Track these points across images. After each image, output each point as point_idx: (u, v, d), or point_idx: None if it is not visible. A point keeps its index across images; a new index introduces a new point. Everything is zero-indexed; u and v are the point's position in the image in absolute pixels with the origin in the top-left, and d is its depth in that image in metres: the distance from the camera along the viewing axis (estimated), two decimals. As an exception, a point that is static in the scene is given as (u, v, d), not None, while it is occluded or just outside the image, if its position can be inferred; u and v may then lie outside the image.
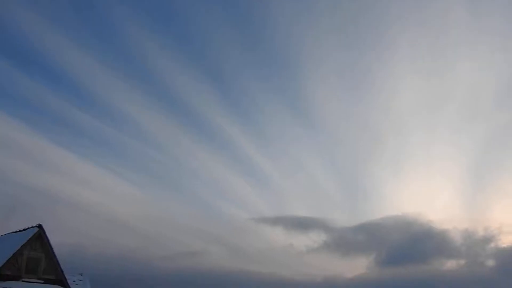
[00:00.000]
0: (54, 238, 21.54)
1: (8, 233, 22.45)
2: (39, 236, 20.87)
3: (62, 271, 21.41)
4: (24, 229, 21.47)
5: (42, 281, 20.54)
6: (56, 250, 21.68)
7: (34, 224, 21.11)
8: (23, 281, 19.86)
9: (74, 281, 24.47)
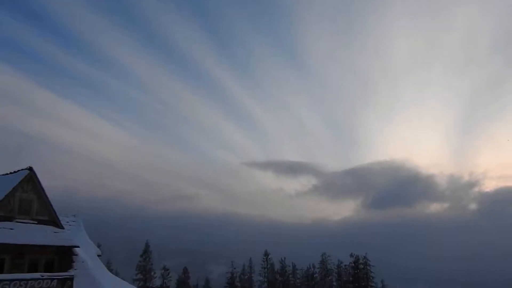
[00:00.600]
0: (48, 181, 21.65)
1: (-1, 175, 22.46)
2: (30, 178, 20.93)
3: (55, 212, 21.70)
4: (14, 172, 21.50)
5: (36, 222, 20.87)
6: (49, 193, 21.85)
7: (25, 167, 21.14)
8: (16, 221, 20.15)
9: (67, 222, 24.88)
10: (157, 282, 55.34)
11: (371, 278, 57.54)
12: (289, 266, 63.00)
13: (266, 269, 59.91)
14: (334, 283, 59.31)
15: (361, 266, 57.64)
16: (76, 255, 21.92)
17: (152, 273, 55.02)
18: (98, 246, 33.55)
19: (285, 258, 62.31)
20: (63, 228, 22.03)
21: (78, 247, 22.15)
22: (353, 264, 58.10)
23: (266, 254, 60.76)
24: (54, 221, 21.64)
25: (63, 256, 21.68)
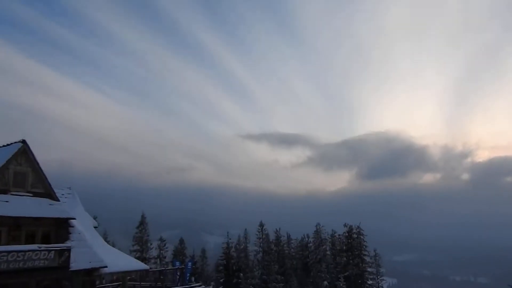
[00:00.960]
0: (43, 155, 21.59)
1: (-8, 148, 22.28)
2: (23, 151, 20.81)
3: (49, 185, 21.70)
4: (7, 144, 21.33)
5: (31, 194, 20.87)
6: (44, 166, 21.80)
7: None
8: (11, 194, 20.14)
9: (62, 194, 24.92)
10: (154, 252, 56.15)
11: (364, 247, 58.62)
12: (284, 236, 64.05)
13: (261, 239, 60.79)
14: (328, 252, 60.34)
15: (355, 235, 58.64)
16: (73, 226, 22.06)
17: (149, 244, 55.76)
18: (94, 218, 33.79)
19: (280, 228, 63.21)
20: (58, 200, 22.07)
21: (74, 219, 22.27)
22: (346, 234, 59.08)
23: (261, 224, 61.52)
24: (49, 193, 21.66)
25: (59, 228, 21.81)
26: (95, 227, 27.73)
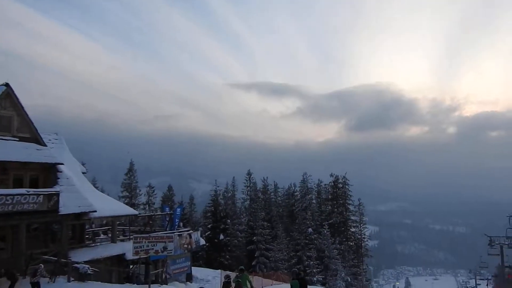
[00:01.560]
0: (29, 100, 21.24)
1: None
2: (7, 95, 20.36)
3: (36, 130, 21.47)
4: (-10, 88, 20.81)
5: (17, 139, 20.69)
6: (30, 112, 21.46)
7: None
8: (-3, 138, 19.92)
9: (49, 140, 24.74)
10: (143, 199, 57.01)
11: (349, 196, 60.16)
12: (271, 185, 65.30)
13: (248, 188, 61.91)
14: (314, 201, 61.91)
15: (340, 185, 59.99)
16: (61, 172, 22.09)
17: (137, 190, 56.49)
18: (83, 164, 33.81)
19: (267, 177, 64.35)
20: (45, 145, 21.93)
21: (62, 164, 22.26)
22: (332, 184, 60.39)
23: (249, 173, 62.41)
24: (36, 138, 21.47)
25: (47, 173, 21.85)
26: (83, 173, 27.85)
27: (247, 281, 15.88)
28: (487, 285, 52.15)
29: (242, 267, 17.39)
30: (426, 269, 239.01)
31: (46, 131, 24.63)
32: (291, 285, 12.82)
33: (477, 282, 57.51)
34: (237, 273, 16.81)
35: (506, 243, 38.07)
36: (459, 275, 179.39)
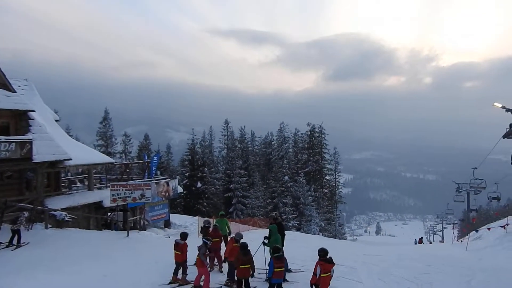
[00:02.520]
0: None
1: None
2: (-29, 38, 19.32)
3: (4, 75, 20.61)
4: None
5: (-16, 85, 19.86)
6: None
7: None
8: (-38, 84, 19.08)
9: (19, 86, 23.87)
10: (119, 148, 56.57)
11: (324, 145, 61.05)
12: (248, 134, 65.49)
13: (226, 137, 62.04)
14: (290, 150, 62.69)
15: (316, 134, 60.65)
16: (33, 119, 21.52)
17: (113, 139, 55.90)
18: (55, 112, 32.97)
19: (244, 126, 64.31)
20: (15, 91, 21.17)
21: (33, 111, 21.65)
22: (309, 133, 60.96)
23: (226, 122, 62.28)
24: (4, 84, 20.63)
25: (18, 120, 21.25)
26: (56, 121, 27.22)
27: (226, 226, 16.27)
28: (453, 228, 55.05)
29: (222, 212, 17.79)
30: (396, 214, 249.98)
31: (14, 76, 23.66)
32: (269, 229, 13.13)
33: (443, 226, 60.58)
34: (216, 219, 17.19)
35: (472, 189, 39.90)
36: (427, 220, 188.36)
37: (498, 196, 30.58)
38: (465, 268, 14.88)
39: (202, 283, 11.35)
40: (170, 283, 12.55)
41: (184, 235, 12.93)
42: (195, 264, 12.99)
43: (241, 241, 11.43)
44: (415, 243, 49.84)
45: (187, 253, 12.70)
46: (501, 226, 19.82)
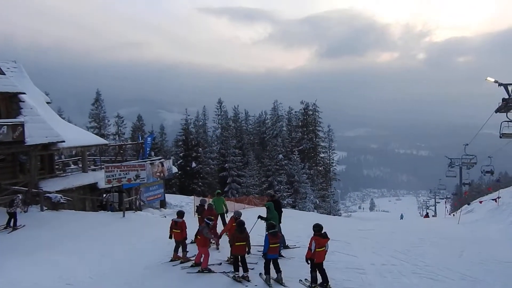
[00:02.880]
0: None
1: None
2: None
3: (-8, 58, 20.31)
4: None
5: (-28, 68, 19.57)
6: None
7: None
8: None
9: (8, 68, 23.56)
10: (112, 129, 56.28)
11: (318, 123, 61.14)
12: (242, 113, 65.35)
13: (219, 116, 61.86)
14: (284, 128, 62.70)
15: (310, 112, 60.65)
16: (23, 101, 21.31)
17: (106, 121, 55.54)
18: (46, 94, 32.64)
19: (238, 105, 64.12)
20: (4, 73, 20.89)
21: (24, 93, 21.41)
22: (303, 111, 60.92)
23: (220, 102, 62.00)
24: (-7, 66, 20.36)
25: (9, 103, 21.03)
26: (47, 103, 26.99)
27: (223, 204, 16.39)
28: (445, 203, 55.91)
29: (219, 191, 17.92)
30: (390, 190, 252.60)
31: (3, 59, 23.33)
32: (266, 206, 13.22)
33: (436, 201, 61.45)
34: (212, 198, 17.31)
35: (465, 164, 40.52)
36: (420, 195, 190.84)
37: (492, 170, 31.09)
38: (457, 240, 15.16)
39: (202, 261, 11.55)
40: (171, 260, 12.76)
41: (181, 214, 13.10)
42: (192, 242, 13.18)
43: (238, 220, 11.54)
44: (401, 218, 50.72)
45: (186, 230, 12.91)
46: (493, 199, 20.14)
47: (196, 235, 12.02)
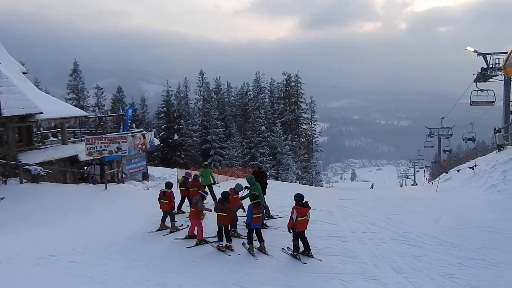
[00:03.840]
0: None
1: None
2: None
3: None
4: None
5: None
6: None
7: None
8: None
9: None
10: (91, 101, 55.18)
11: (301, 94, 61.09)
12: (224, 84, 64.67)
13: (201, 88, 61.12)
14: (266, 100, 62.46)
15: (292, 84, 60.46)
16: (-2, 72, 20.65)
17: (85, 92, 54.37)
18: (22, 64, 31.69)
19: (220, 77, 63.33)
20: (-24, 43, 20.11)
21: (-2, 63, 20.73)
22: (285, 82, 60.66)
23: (201, 73, 61.13)
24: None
25: (-17, 74, 20.36)
26: (24, 73, 26.21)
27: (210, 176, 16.46)
28: (424, 172, 57.17)
29: (206, 163, 17.96)
30: (371, 161, 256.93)
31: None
32: (247, 180, 13.25)
33: (415, 170, 62.78)
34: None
35: (444, 133, 41.69)
36: (400, 165, 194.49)
37: (474, 137, 31.97)
38: (434, 207, 15.57)
39: (196, 233, 11.61)
40: (158, 230, 12.90)
41: (169, 185, 13.30)
42: (176, 212, 13.31)
43: (222, 190, 11.57)
44: (371, 188, 52.01)
45: (174, 201, 13.13)
46: (470, 167, 20.60)
47: (190, 208, 12.10)
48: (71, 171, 23.76)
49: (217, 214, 10.65)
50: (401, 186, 47.07)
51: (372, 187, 55.07)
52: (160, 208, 13.06)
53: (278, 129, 53.04)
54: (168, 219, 12.96)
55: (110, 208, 16.45)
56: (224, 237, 10.78)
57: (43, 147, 25.10)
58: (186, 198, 14.94)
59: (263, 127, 54.15)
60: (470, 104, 25.62)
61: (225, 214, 10.60)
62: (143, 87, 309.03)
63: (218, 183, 16.72)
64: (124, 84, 72.95)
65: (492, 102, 25.51)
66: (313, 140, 63.87)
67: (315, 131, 64.73)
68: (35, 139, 25.86)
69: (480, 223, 12.81)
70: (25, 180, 19.39)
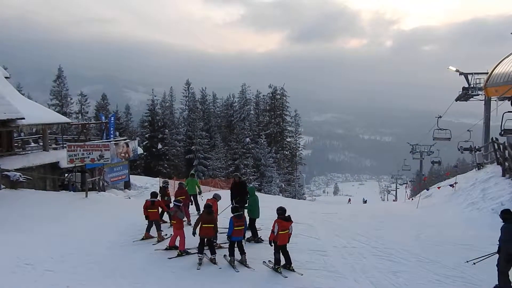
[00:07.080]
0: None
1: None
2: None
3: None
4: None
5: None
6: None
7: None
8: None
9: (-37, 39, 22.30)
10: (75, 107, 54.57)
11: (286, 107, 61.43)
12: (210, 95, 64.70)
13: (187, 98, 61.05)
14: (252, 112, 62.63)
15: (278, 96, 60.81)
16: (-20, 75, 20.31)
17: (69, 98, 53.75)
18: (4, 68, 31.24)
19: (206, 87, 63.37)
20: (-42, 45, 19.78)
21: (-20, 67, 20.39)
22: (270, 95, 60.99)
23: (188, 83, 61.11)
24: None
25: (-36, 77, 20.00)
26: (6, 78, 25.85)
27: (196, 186, 16.40)
28: (405, 188, 57.89)
29: (192, 172, 18.05)
30: (353, 175, 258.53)
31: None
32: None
33: (397, 186, 63.52)
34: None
35: (425, 150, 42.51)
36: (382, 180, 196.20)
37: (440, 160, 36.85)
38: (415, 223, 15.76)
39: (177, 244, 11.50)
40: (143, 239, 12.78)
41: (155, 194, 13.34)
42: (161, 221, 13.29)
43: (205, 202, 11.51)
44: (364, 202, 52.59)
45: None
46: (450, 185, 20.95)
47: (170, 220, 12.10)
48: (51, 178, 23.36)
49: (203, 226, 10.53)
50: (383, 200, 47.55)
51: (365, 201, 55.36)
52: (146, 219, 12.92)
53: (262, 141, 53.16)
54: (153, 229, 12.85)
55: (89, 217, 16.20)
56: (207, 249, 10.70)
57: (23, 153, 24.67)
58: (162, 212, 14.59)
59: (247, 139, 54.19)
60: (433, 139, 30.87)
61: (212, 226, 10.54)
62: (127, 95, 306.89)
63: (202, 195, 16.63)
64: (109, 92, 72.48)
65: (449, 139, 29.58)
66: (297, 153, 64.10)
67: (299, 144, 65.01)
68: (16, 144, 25.39)
69: (459, 240, 12.99)
70: (3, 186, 18.99)
